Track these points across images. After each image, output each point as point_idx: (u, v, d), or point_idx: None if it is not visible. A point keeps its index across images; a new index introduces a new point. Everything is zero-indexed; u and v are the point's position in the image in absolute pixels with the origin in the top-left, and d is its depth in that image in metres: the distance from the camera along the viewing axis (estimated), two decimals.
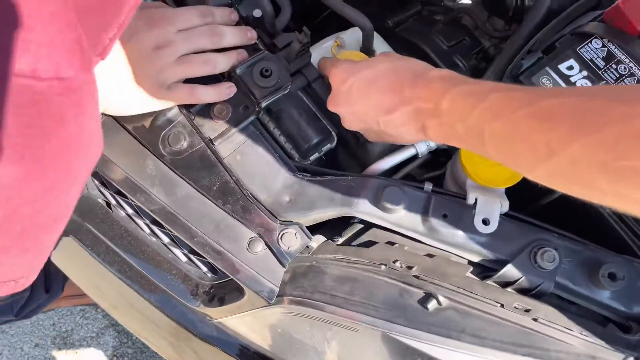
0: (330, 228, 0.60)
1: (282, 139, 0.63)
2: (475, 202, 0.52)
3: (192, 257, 0.65)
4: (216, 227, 0.58)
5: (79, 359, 1.29)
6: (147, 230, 0.68)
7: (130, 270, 0.70)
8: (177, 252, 0.67)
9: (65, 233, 0.73)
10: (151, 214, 0.60)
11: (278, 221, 0.57)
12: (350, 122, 0.57)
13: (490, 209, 0.52)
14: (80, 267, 0.76)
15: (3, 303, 1.05)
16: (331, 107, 0.57)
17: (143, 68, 0.56)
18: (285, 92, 0.61)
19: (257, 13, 0.69)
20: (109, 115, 0.60)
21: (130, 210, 0.67)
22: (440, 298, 0.52)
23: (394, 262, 0.53)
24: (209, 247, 0.58)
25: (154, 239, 0.68)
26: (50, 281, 1.11)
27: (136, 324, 0.86)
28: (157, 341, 0.84)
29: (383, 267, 0.54)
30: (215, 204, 0.58)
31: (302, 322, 0.59)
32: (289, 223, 0.57)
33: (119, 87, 0.56)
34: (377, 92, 0.51)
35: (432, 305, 0.52)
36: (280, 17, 0.68)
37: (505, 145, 0.41)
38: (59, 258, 0.81)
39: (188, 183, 0.59)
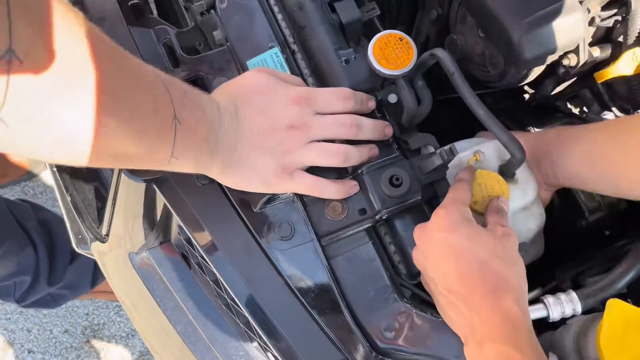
0: None
1: (391, 248, 0.57)
2: None
3: (265, 348, 0.60)
4: (305, 337, 0.53)
5: (104, 356, 1.27)
6: (224, 301, 0.63)
7: (194, 335, 0.66)
8: (250, 343, 0.62)
9: (136, 274, 0.69)
10: (235, 298, 0.55)
11: (374, 354, 0.51)
12: (417, 261, 0.52)
13: None
14: (141, 311, 0.72)
15: (6, 283, 1.04)
16: (415, 235, 0.51)
17: (271, 145, 0.52)
18: (412, 206, 0.55)
19: (392, 99, 0.62)
20: (215, 182, 0.56)
21: (211, 278, 0.63)
22: None
23: None
24: (292, 356, 0.53)
25: (227, 311, 0.64)
26: (55, 274, 1.08)
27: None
28: None
29: None
30: (310, 312, 0.53)
31: None
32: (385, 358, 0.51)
33: (238, 158, 0.52)
34: (453, 269, 0.47)
35: None
36: (419, 110, 0.61)
37: None
38: (118, 286, 0.78)
39: (284, 280, 0.54)
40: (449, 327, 0.50)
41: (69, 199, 0.76)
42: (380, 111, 0.62)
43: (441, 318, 0.51)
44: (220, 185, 0.56)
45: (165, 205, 0.63)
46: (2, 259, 0.99)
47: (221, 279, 0.56)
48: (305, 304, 0.53)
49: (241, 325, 0.62)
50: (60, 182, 0.77)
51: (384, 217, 0.55)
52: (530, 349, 0.40)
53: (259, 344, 0.61)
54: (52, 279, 1.07)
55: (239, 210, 0.56)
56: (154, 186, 0.57)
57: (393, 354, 0.51)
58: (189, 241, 0.63)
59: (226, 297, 0.61)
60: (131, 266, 0.68)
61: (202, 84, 0.61)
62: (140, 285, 0.69)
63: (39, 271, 1.05)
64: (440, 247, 0.48)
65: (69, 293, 1.14)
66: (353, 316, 0.53)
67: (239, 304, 0.55)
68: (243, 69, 0.60)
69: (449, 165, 0.56)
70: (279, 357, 0.54)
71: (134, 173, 0.56)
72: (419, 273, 0.55)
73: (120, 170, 0.60)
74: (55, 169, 0.78)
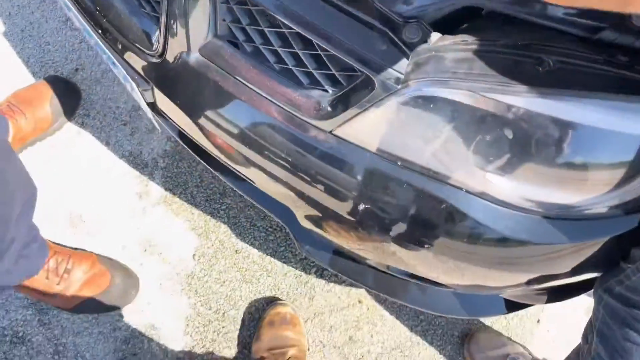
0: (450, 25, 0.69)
1: None
2: None
3: (316, 73, 0.75)
4: (348, 29, 0.69)
5: (164, 258, 1.39)
6: (274, 59, 0.79)
7: (257, 98, 0.80)
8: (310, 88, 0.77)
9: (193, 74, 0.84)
10: (289, 22, 0.70)
11: (401, 19, 0.67)
12: None
13: None
14: (204, 112, 0.86)
15: None
16: None
17: None
18: None
19: None
20: None
21: (259, 41, 0.78)
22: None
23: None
24: (341, 48, 0.69)
25: (277, 67, 0.79)
26: None
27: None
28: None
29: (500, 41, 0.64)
30: (347, 9, 0.69)
31: (420, 113, 0.69)
32: (410, 20, 0.67)
33: None
34: None
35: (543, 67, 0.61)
36: None
37: None
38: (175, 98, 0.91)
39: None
40: None
41: (113, 41, 0.90)
42: None
43: None
44: None
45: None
46: None
47: (283, 20, 0.71)
48: (345, 6, 0.69)
49: (292, 69, 0.77)
50: (101, 34, 0.91)
51: None
52: None
53: (316, 74, 0.76)
54: None
55: None
56: None
57: (415, 13, 0.67)
58: (236, 20, 0.79)
59: (277, 47, 0.76)
60: (188, 67, 0.83)
61: None
62: (199, 81, 0.83)
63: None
64: None
65: None
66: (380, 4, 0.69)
67: (302, 33, 0.70)
68: None
69: None
70: (337, 54, 0.69)
71: None
72: None
73: None
74: (90, 27, 0.92)
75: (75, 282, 1.28)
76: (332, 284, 1.40)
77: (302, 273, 1.41)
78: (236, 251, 1.42)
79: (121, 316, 1.33)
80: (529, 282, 0.84)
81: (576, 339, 1.44)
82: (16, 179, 1.04)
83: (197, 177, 1.49)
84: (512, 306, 1.09)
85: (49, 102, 1.47)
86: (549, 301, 0.97)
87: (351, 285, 1.40)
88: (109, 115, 1.55)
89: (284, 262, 1.41)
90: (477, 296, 1.05)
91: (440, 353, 1.36)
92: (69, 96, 1.53)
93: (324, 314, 1.37)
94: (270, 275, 1.40)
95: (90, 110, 1.56)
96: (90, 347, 1.31)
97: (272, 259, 1.41)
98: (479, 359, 1.28)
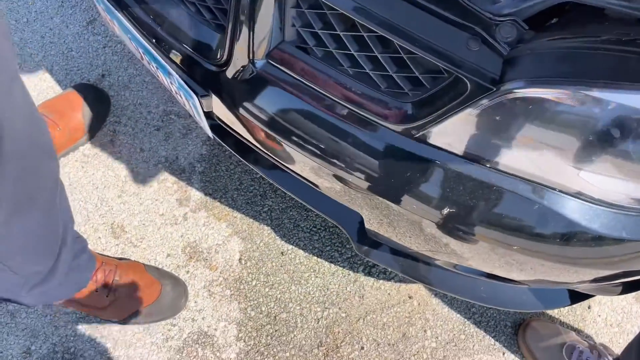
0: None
1: None
2: None
3: (396, 77, 0.73)
4: (436, 30, 0.66)
5: (210, 264, 1.38)
6: (348, 64, 0.76)
7: (331, 104, 0.78)
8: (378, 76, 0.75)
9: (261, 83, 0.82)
10: (372, 26, 0.67)
11: (493, 18, 0.65)
12: None
13: None
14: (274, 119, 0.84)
15: None
16: None
17: None
18: None
19: None
20: None
21: (334, 45, 0.75)
22: None
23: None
24: (429, 50, 0.66)
25: (351, 71, 0.76)
26: None
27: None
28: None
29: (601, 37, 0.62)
30: (434, 10, 0.66)
31: (517, 115, 0.67)
32: (504, 17, 0.65)
33: None
34: None
35: None
36: None
37: None
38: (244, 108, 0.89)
39: None
40: None
41: (174, 58, 0.87)
42: None
43: None
44: None
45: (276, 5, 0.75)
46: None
47: (365, 24, 0.68)
48: (431, 7, 0.66)
49: (369, 73, 0.74)
50: (154, 43, 0.88)
51: None
52: None
53: (394, 63, 0.73)
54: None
55: None
56: None
57: (509, 10, 0.65)
58: (307, 24, 0.76)
59: (350, 47, 0.74)
60: (256, 75, 0.80)
61: None
62: (266, 89, 0.81)
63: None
64: None
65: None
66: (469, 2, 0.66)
67: (375, 29, 0.67)
68: None
69: None
70: (435, 60, 0.66)
71: None
72: None
73: None
74: (142, 36, 0.89)
75: (125, 293, 1.26)
76: (381, 281, 1.39)
77: (350, 272, 1.39)
78: (282, 253, 1.40)
79: (172, 325, 1.32)
80: (613, 277, 0.83)
81: (627, 323, 1.44)
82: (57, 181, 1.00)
83: (236, 180, 1.46)
84: (576, 297, 1.08)
85: (80, 111, 1.44)
86: (622, 292, 0.97)
87: (400, 281, 1.39)
88: (141, 120, 1.52)
89: (331, 262, 1.40)
90: (545, 289, 1.04)
91: (494, 344, 1.35)
92: (99, 103, 1.49)
93: (375, 312, 1.36)
94: (319, 275, 1.39)
95: (121, 117, 1.53)
96: (143, 358, 1.29)
97: (319, 259, 1.40)
98: (536, 347, 1.28)
